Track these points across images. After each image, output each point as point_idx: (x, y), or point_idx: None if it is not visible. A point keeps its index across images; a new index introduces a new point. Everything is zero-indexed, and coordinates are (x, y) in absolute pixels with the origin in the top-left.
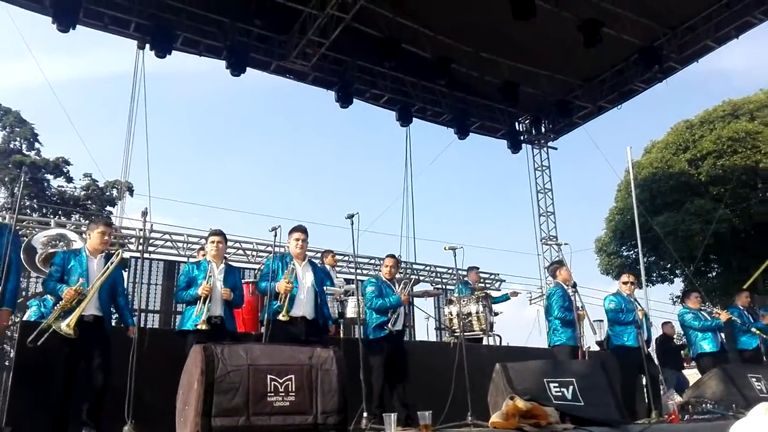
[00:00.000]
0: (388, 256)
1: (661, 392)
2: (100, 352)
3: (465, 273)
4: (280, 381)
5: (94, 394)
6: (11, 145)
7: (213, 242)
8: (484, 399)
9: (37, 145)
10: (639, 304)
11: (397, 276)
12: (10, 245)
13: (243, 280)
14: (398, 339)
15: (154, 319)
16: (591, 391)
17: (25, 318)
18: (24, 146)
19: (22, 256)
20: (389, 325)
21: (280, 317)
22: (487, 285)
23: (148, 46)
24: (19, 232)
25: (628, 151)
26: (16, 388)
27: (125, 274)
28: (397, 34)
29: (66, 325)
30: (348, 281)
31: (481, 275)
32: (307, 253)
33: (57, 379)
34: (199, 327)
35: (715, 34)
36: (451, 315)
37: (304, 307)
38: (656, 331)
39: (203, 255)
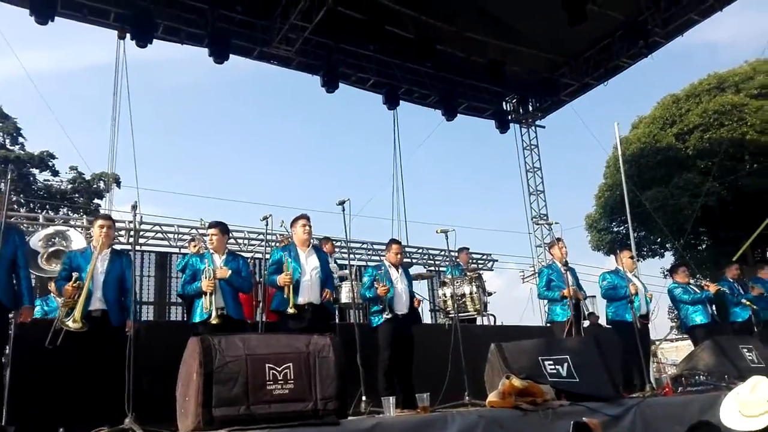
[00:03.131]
0: (393, 242)
1: None
2: (106, 347)
3: (456, 254)
4: (279, 369)
5: (103, 388)
6: None
7: (208, 236)
8: (480, 379)
9: (20, 139)
10: (638, 279)
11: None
12: (18, 245)
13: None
14: (403, 323)
15: (148, 311)
16: (585, 368)
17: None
18: (7, 141)
19: None
20: (385, 314)
21: (289, 310)
22: (480, 265)
23: (128, 35)
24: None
25: (615, 127)
26: (15, 387)
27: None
28: (380, 16)
29: (72, 321)
30: (341, 267)
31: (474, 256)
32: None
33: (62, 376)
34: (211, 322)
35: (698, 7)
36: (445, 297)
37: (309, 293)
38: (656, 303)
39: (194, 246)
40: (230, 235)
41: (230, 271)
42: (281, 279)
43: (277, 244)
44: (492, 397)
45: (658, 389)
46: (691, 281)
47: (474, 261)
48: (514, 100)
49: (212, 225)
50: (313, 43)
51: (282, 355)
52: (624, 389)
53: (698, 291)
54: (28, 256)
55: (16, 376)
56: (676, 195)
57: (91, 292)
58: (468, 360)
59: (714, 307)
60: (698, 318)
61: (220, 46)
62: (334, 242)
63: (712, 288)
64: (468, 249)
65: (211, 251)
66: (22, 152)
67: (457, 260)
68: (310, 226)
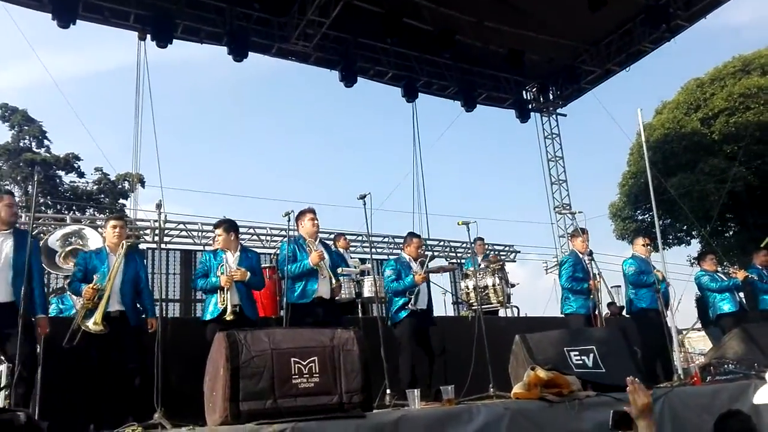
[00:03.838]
0: (414, 236)
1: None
2: (127, 346)
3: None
4: (304, 363)
5: (127, 387)
6: (21, 144)
7: (217, 235)
8: (504, 371)
9: (46, 142)
10: (654, 267)
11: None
12: (32, 252)
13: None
14: (424, 317)
15: (174, 309)
16: (611, 358)
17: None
18: (34, 144)
19: (42, 259)
20: (410, 305)
21: (318, 290)
22: (502, 257)
23: (149, 36)
24: (36, 230)
25: (638, 113)
26: (46, 384)
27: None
28: (397, 9)
29: (93, 323)
30: (363, 261)
31: (496, 247)
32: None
33: (89, 375)
34: (225, 318)
35: None
36: (468, 289)
37: (322, 287)
38: (674, 293)
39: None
40: (239, 231)
41: (249, 274)
42: (314, 257)
43: (288, 237)
44: (517, 388)
45: (687, 379)
46: (719, 269)
47: (496, 252)
48: (534, 89)
49: (216, 225)
50: (331, 38)
51: (307, 349)
52: (648, 380)
53: (726, 278)
54: (41, 266)
55: (47, 373)
56: (702, 181)
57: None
58: (492, 352)
59: (743, 295)
60: (726, 306)
61: (238, 44)
62: (348, 237)
63: (741, 275)
64: (483, 239)
65: (223, 249)
66: (48, 155)
67: (468, 252)
68: (317, 220)
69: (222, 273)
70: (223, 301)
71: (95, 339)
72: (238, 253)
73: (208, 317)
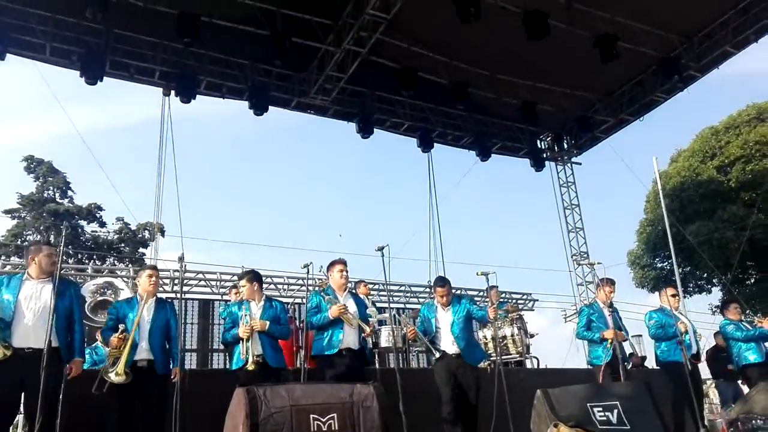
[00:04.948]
0: (436, 283)
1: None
2: (151, 397)
3: (485, 295)
4: (323, 420)
5: None
6: (45, 195)
7: (240, 286)
8: (525, 424)
9: (69, 193)
10: (686, 318)
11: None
12: (73, 299)
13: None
14: (456, 361)
15: (192, 359)
16: (636, 414)
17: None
18: (57, 195)
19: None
20: (435, 354)
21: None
22: (520, 305)
23: (173, 92)
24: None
25: (654, 161)
26: None
27: None
28: (413, 64)
29: (115, 374)
30: (380, 310)
31: (514, 296)
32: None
33: (110, 425)
34: (247, 368)
35: (733, 40)
36: (486, 339)
37: (349, 338)
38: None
39: (236, 293)
40: (262, 281)
41: (268, 323)
42: (334, 310)
43: (316, 288)
44: None
45: None
46: (743, 318)
47: (514, 301)
48: (549, 138)
49: (240, 276)
50: (348, 92)
51: (326, 406)
52: None
53: (751, 328)
54: (83, 313)
55: (65, 426)
56: (721, 229)
57: (137, 341)
58: (513, 405)
59: (767, 345)
60: (751, 356)
61: (259, 98)
62: (367, 284)
63: (767, 324)
64: (497, 287)
65: (248, 299)
66: (71, 205)
67: (486, 299)
68: (347, 271)
69: (243, 324)
70: (246, 351)
71: (119, 388)
72: (262, 303)
73: (234, 367)
